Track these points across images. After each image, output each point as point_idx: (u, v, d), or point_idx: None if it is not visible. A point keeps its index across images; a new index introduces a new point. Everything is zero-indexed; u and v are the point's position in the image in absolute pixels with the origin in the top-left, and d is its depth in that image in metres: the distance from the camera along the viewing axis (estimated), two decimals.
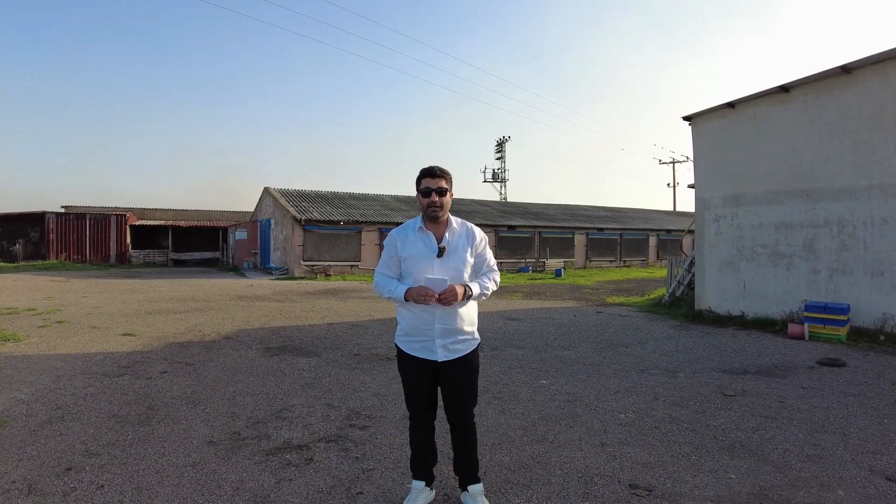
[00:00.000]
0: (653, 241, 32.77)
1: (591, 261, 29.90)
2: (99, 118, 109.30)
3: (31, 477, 3.32)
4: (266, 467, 3.49)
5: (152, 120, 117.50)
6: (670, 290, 12.54)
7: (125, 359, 6.65)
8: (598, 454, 3.69)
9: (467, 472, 2.93)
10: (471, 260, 2.88)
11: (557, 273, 23.74)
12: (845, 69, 8.09)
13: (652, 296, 14.45)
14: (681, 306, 11.48)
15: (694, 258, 11.48)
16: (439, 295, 2.65)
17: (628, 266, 30.77)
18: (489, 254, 2.99)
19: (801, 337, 8.12)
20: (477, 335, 2.96)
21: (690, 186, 11.49)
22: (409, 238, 2.84)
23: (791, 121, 9.00)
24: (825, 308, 8.10)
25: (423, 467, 2.97)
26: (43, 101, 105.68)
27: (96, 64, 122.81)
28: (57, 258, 28.73)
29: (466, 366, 2.86)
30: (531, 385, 5.51)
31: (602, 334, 8.68)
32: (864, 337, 7.87)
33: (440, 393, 2.93)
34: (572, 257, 29.19)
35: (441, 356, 2.79)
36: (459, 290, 2.70)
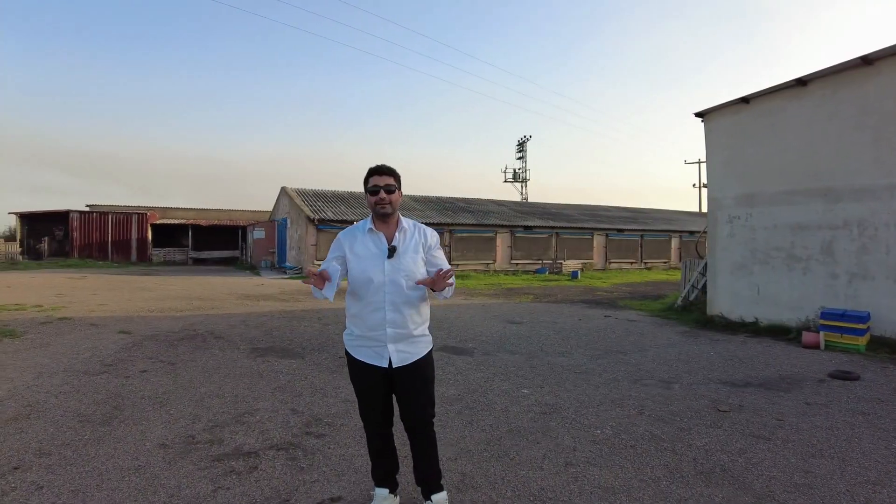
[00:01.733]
0: (675, 242, 31.93)
1: (610, 262, 29.26)
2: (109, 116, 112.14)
3: None
4: (208, 474, 3.36)
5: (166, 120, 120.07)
6: (683, 294, 12.07)
7: (112, 357, 6.59)
8: (559, 475, 3.39)
9: (430, 482, 2.82)
10: (422, 261, 2.78)
11: (574, 275, 23.25)
12: (866, 60, 7.56)
13: (667, 300, 13.94)
14: (693, 311, 11.01)
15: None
16: (446, 273, 2.60)
17: (649, 268, 30.03)
18: (441, 255, 2.87)
19: (816, 346, 7.63)
20: (429, 336, 2.86)
21: (704, 186, 11.01)
22: (358, 239, 2.77)
23: (808, 116, 8.48)
24: (843, 315, 7.59)
25: (384, 476, 2.88)
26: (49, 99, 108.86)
27: (114, 70, 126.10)
28: (80, 256, 29.42)
29: (420, 370, 2.76)
30: (511, 394, 5.22)
31: (602, 340, 8.32)
32: (885, 347, 7.32)
33: (395, 400, 2.83)
34: (591, 259, 28.60)
35: (395, 361, 2.69)
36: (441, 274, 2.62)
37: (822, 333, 7.68)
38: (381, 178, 2.72)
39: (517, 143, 51.76)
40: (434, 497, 2.78)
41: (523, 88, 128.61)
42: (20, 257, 28.80)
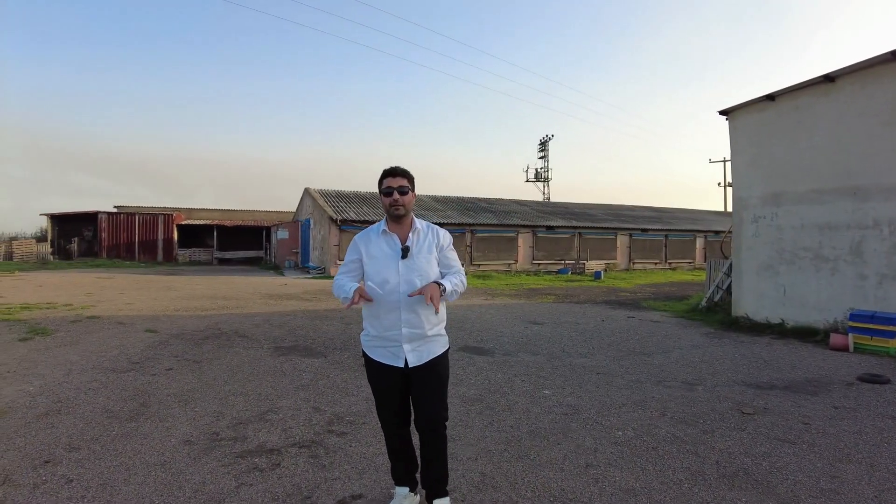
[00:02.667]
0: (700, 242, 31.42)
1: (634, 262, 28.92)
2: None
3: (10, 468, 3.39)
4: (231, 470, 3.42)
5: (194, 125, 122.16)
6: (708, 295, 11.87)
7: (138, 355, 6.74)
8: (580, 476, 3.37)
9: (434, 486, 2.81)
10: (436, 262, 2.83)
11: (597, 275, 23.05)
12: None
13: (692, 300, 13.73)
14: (718, 312, 10.82)
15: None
16: (426, 293, 2.59)
17: (674, 268, 29.60)
18: (454, 256, 2.93)
19: (844, 348, 7.44)
20: (445, 336, 2.89)
21: (729, 185, 10.83)
22: (373, 241, 2.82)
23: (837, 113, 8.26)
24: (872, 317, 7.39)
25: (403, 474, 2.91)
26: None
27: (142, 72, 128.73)
28: (108, 256, 30.17)
29: (435, 371, 2.77)
30: (532, 395, 5.20)
31: (626, 341, 8.24)
32: None
33: (411, 399, 2.84)
34: (614, 259, 28.31)
35: (410, 361, 2.71)
36: (435, 289, 2.62)
37: (850, 335, 7.49)
38: (395, 180, 2.75)
39: (539, 142, 51.60)
40: (436, 502, 2.78)
41: (545, 87, 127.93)
42: (51, 257, 29.68)
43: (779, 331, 8.87)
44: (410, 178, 2.81)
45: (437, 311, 2.71)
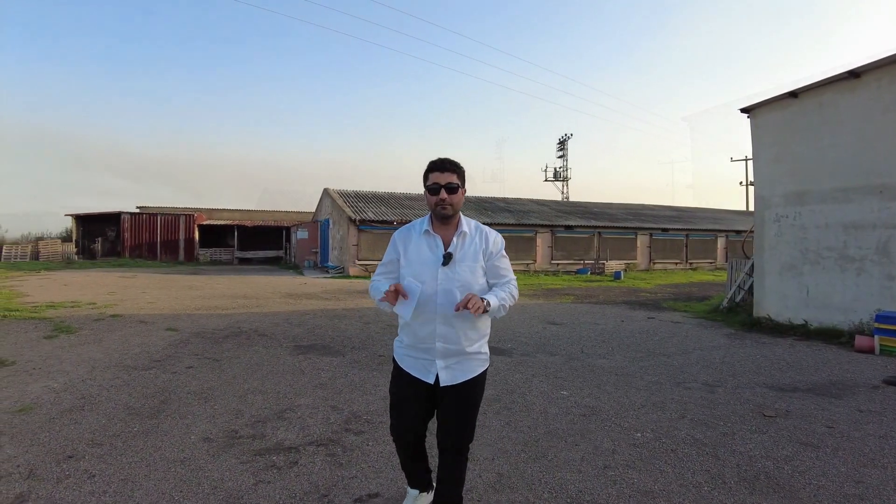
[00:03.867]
0: (721, 242, 30.96)
1: (654, 263, 28.61)
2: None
3: (34, 462, 3.47)
4: (250, 468, 3.45)
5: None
6: (729, 296, 11.69)
7: (160, 353, 6.85)
8: (598, 478, 3.34)
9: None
10: (482, 270, 2.50)
11: (616, 275, 22.84)
12: None
13: (713, 301, 13.53)
14: (739, 313, 10.65)
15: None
16: (463, 303, 2.26)
17: (695, 269, 29.21)
18: (506, 263, 2.58)
19: (870, 351, 7.27)
20: (487, 354, 2.58)
21: (751, 184, 10.66)
22: (413, 241, 2.50)
23: (862, 109, 8.07)
24: None
25: (416, 479, 2.77)
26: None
27: (165, 77, 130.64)
28: (131, 256, 30.76)
29: (467, 392, 2.48)
30: (549, 396, 5.17)
31: (645, 342, 8.15)
32: None
33: (436, 417, 2.58)
34: (634, 259, 28.03)
35: (442, 379, 2.44)
36: (477, 302, 2.25)
37: (877, 337, 7.31)
38: (443, 176, 2.42)
39: (558, 141, 51.27)
40: None
41: (564, 86, 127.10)
42: (75, 257, 30.33)
43: (802, 332, 8.69)
44: (461, 173, 2.47)
45: (475, 325, 2.45)
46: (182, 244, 32.53)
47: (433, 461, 2.89)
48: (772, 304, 9.55)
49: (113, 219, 32.04)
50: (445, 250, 2.44)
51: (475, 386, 2.50)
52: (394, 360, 2.64)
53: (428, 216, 2.54)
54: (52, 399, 4.83)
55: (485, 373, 2.56)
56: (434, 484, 2.70)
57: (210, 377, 5.70)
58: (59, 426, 4.15)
